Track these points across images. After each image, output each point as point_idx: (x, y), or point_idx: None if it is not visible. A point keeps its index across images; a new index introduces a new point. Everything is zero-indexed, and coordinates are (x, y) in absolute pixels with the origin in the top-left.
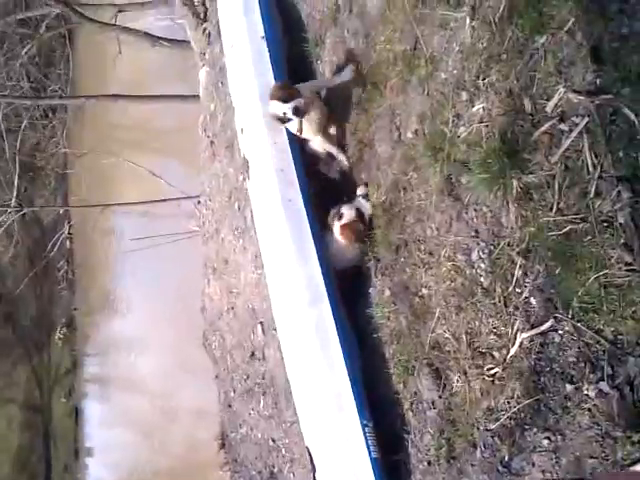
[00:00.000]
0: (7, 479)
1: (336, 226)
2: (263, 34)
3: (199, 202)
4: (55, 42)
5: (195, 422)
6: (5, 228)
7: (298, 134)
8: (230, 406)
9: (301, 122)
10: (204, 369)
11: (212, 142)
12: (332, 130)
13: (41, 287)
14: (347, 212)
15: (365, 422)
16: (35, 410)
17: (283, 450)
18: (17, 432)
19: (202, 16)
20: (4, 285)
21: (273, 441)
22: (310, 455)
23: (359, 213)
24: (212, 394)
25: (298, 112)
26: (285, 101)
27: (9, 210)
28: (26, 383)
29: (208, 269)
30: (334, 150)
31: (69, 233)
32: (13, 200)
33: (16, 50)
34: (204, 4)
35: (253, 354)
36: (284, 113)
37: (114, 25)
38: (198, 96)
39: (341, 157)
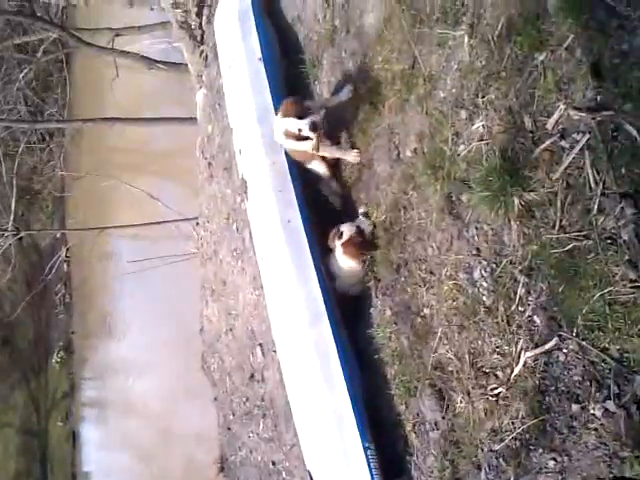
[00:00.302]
0: None
1: (338, 246)
2: (260, 55)
3: (197, 224)
4: (52, 66)
5: (194, 445)
6: (2, 252)
7: (314, 152)
8: (229, 429)
9: (318, 138)
10: (203, 391)
11: (210, 164)
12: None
13: (38, 311)
14: (347, 229)
15: (367, 445)
16: (32, 434)
17: (284, 473)
18: (14, 456)
19: (199, 39)
20: (1, 309)
21: (273, 464)
22: (312, 479)
23: (359, 230)
24: (211, 416)
25: (316, 127)
26: (301, 117)
27: (6, 234)
28: (23, 407)
29: (206, 291)
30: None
31: (66, 256)
32: (10, 224)
33: (13, 74)
34: (201, 27)
35: (252, 376)
36: (299, 130)
37: (111, 49)
38: (195, 118)
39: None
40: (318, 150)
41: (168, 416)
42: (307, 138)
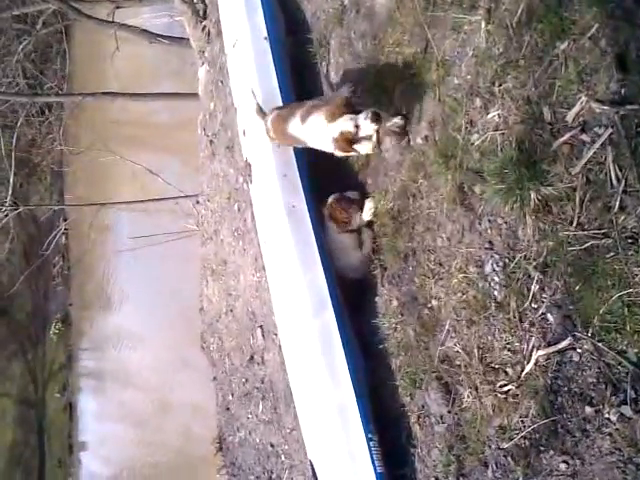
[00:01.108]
0: (1, 474)
1: (326, 216)
2: (266, 34)
3: (198, 202)
4: (52, 38)
5: (191, 417)
6: (1, 224)
7: (375, 150)
8: (228, 409)
9: (379, 132)
10: (201, 365)
11: (211, 141)
12: None
13: (36, 283)
14: (332, 197)
15: (370, 436)
16: (29, 405)
17: (282, 456)
18: (11, 427)
19: (201, 13)
20: None
21: (272, 446)
22: (313, 469)
23: (343, 196)
24: (208, 389)
25: (378, 118)
26: (357, 111)
27: (4, 209)
28: (20, 378)
29: (207, 270)
30: None
31: (65, 229)
32: (9, 197)
33: (12, 46)
34: (204, 1)
35: (252, 358)
36: (356, 126)
37: (111, 22)
38: (197, 94)
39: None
40: (380, 147)
41: (165, 388)
42: (360, 139)
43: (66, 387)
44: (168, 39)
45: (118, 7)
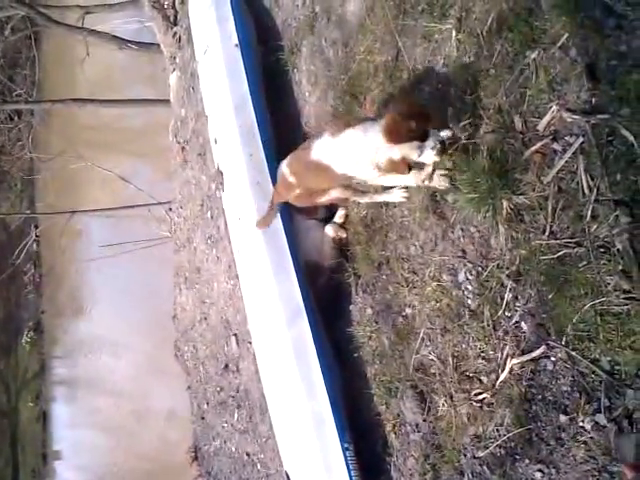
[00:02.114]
0: None
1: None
2: (237, 41)
3: (170, 209)
4: (21, 44)
5: (166, 424)
6: None
7: (427, 182)
8: (203, 418)
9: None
10: (175, 372)
11: (183, 148)
12: None
13: (8, 291)
14: None
15: (346, 446)
16: (2, 414)
17: (258, 465)
18: None
19: (172, 19)
20: None
21: (248, 455)
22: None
23: None
24: (183, 396)
25: (444, 149)
26: (424, 139)
27: None
28: None
29: (180, 278)
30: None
31: (36, 235)
32: None
33: None
34: (174, 7)
35: (227, 366)
36: (419, 154)
37: (81, 28)
38: (168, 100)
39: None
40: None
41: (139, 395)
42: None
43: (39, 396)
44: (138, 45)
45: (88, 13)
